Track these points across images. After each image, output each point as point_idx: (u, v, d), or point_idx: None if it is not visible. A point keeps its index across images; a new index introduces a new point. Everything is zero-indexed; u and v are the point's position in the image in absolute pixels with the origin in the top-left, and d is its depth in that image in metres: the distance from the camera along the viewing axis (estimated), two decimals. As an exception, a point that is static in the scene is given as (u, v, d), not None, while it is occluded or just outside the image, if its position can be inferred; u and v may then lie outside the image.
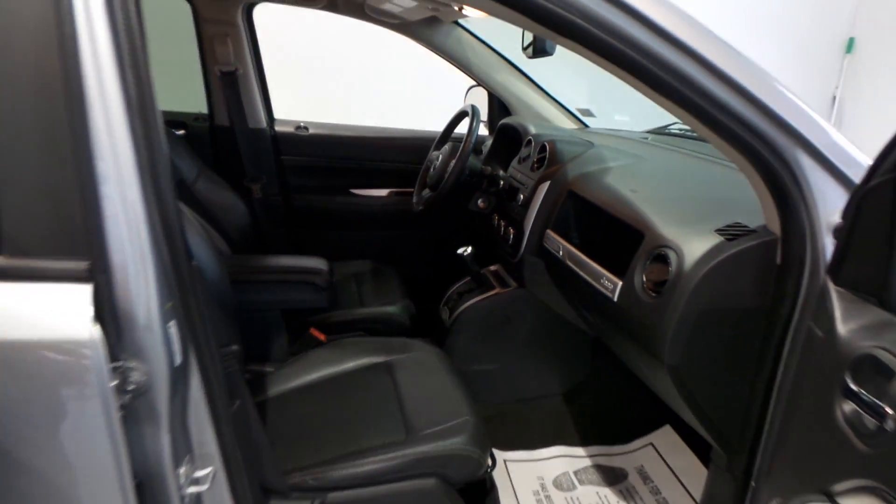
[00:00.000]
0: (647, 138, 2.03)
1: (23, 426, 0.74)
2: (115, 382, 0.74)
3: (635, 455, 1.77)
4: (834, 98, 4.63)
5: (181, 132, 2.28)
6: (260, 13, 2.21)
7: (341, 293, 2.01)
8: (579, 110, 2.38)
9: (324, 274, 1.67)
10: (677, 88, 0.93)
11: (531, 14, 0.89)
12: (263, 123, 2.29)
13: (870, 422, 0.71)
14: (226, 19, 2.13)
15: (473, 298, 1.85)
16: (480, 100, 2.42)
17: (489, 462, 1.30)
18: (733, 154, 1.00)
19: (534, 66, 2.32)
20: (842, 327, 0.82)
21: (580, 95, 2.48)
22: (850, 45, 4.55)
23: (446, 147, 2.02)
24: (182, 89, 2.30)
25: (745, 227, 1.09)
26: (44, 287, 0.72)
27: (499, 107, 2.38)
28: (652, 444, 1.79)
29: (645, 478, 1.69)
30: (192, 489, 0.88)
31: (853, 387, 0.75)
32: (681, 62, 0.93)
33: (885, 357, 0.72)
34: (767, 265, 1.03)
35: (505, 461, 1.72)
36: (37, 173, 0.72)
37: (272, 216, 2.35)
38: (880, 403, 0.69)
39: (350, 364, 1.52)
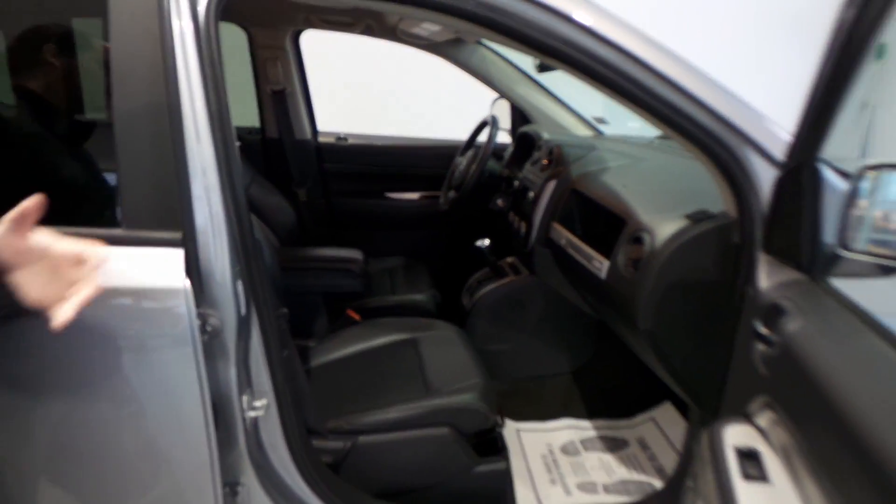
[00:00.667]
0: (653, 142, 2.21)
1: (136, 351, 1.00)
2: (198, 323, 1.00)
3: (637, 428, 1.95)
4: (865, 104, 4.65)
5: (237, 144, 2.59)
6: (306, 38, 2.50)
7: (376, 285, 2.26)
8: (594, 118, 2.59)
9: (359, 262, 1.92)
10: (647, 101, 1.14)
11: (523, 41, 1.12)
12: (308, 135, 2.58)
13: (770, 353, 0.90)
14: (276, 44, 2.43)
15: (490, 285, 2.07)
16: (504, 111, 2.65)
17: (497, 419, 1.52)
18: (696, 152, 1.20)
19: (552, 79, 2.53)
20: (763, 285, 1.01)
21: (595, 105, 2.67)
22: (881, 51, 4.59)
23: (469, 153, 2.27)
24: (238, 107, 2.61)
25: (709, 212, 1.29)
26: (151, 250, 0.99)
27: (520, 117, 2.61)
28: (653, 419, 1.97)
29: (644, 447, 1.87)
30: (252, 413, 1.13)
31: (762, 330, 0.94)
32: (647, 79, 1.14)
33: (784, 303, 0.91)
34: (726, 244, 1.22)
35: (518, 430, 1.93)
36: (147, 169, 0.99)
37: (316, 218, 2.62)
38: (776, 336, 0.89)
39: (381, 340, 1.76)
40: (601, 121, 2.60)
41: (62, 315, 0.71)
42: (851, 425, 0.66)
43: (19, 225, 0.69)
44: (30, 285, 0.71)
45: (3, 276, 0.70)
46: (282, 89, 2.48)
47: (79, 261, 0.74)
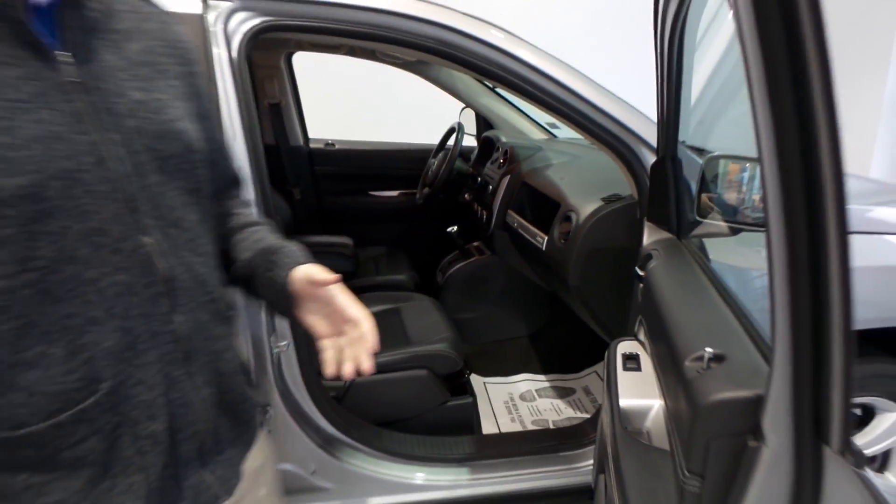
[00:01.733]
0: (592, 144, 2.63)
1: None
2: (240, 279, 1.37)
3: (583, 379, 2.35)
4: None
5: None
6: (297, 58, 2.88)
7: (363, 270, 2.64)
8: (548, 123, 3.00)
9: (349, 246, 2.30)
10: (565, 111, 1.55)
11: (471, 69, 1.52)
12: (301, 142, 2.95)
13: (642, 286, 1.31)
14: (272, 64, 2.80)
15: (459, 264, 2.47)
16: (470, 118, 3.05)
17: (464, 364, 1.91)
18: (604, 150, 1.61)
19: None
20: (645, 242, 1.42)
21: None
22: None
23: (440, 155, 2.66)
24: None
25: (620, 195, 1.69)
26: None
27: (484, 123, 3.02)
28: (596, 372, 2.37)
29: (588, 393, 2.27)
30: (277, 349, 1.51)
31: (639, 272, 1.35)
32: (566, 97, 1.54)
33: (652, 252, 1.32)
34: (632, 219, 1.63)
35: (484, 383, 2.32)
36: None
37: (309, 214, 2.99)
38: (645, 274, 1.30)
39: (368, 309, 2.14)
40: (553, 126, 3.02)
41: (328, 365, 0.82)
42: (661, 321, 1.06)
43: (315, 282, 0.82)
44: (309, 314, 0.85)
45: (295, 299, 0.85)
46: (277, 102, 2.85)
47: (348, 319, 0.83)
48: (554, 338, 2.49)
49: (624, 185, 1.73)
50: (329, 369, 0.82)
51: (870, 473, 0.59)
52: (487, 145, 2.73)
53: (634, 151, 1.57)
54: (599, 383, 2.31)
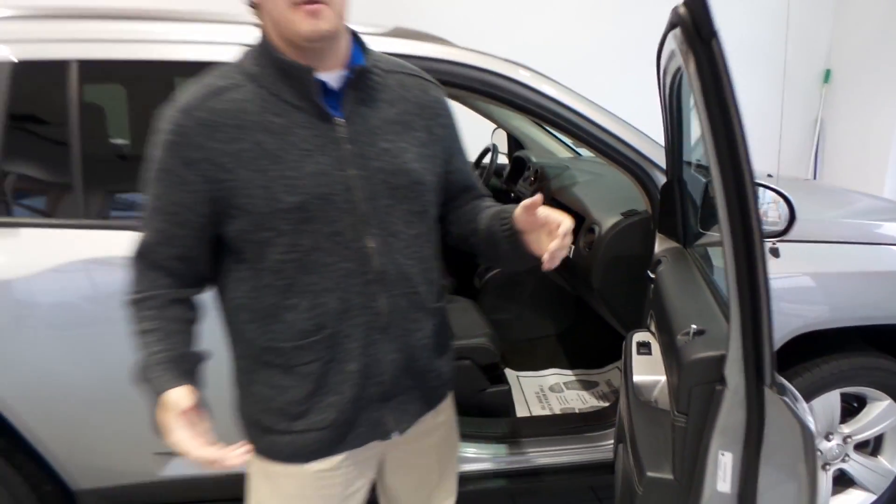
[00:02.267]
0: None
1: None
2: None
3: (606, 374, 2.62)
4: (815, 121, 5.37)
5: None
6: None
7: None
8: (573, 143, 3.28)
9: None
10: (591, 141, 1.83)
11: (515, 107, 1.81)
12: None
13: (652, 285, 1.59)
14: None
15: (494, 270, 2.77)
16: (502, 138, 3.35)
17: (500, 357, 2.20)
18: (623, 172, 1.89)
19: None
20: (656, 250, 1.70)
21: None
22: (827, 76, 5.30)
23: (476, 172, 2.96)
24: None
25: (636, 210, 1.98)
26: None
27: (515, 143, 3.31)
28: (618, 368, 2.64)
29: (611, 386, 2.54)
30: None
31: (651, 275, 1.63)
32: (588, 127, 1.83)
33: (661, 258, 1.60)
34: (647, 231, 1.91)
35: (517, 376, 2.60)
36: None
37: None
38: (655, 275, 1.58)
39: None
40: (578, 144, 3.30)
41: (547, 262, 0.94)
42: (663, 312, 1.34)
43: (529, 208, 0.95)
44: (536, 242, 1.00)
45: (524, 235, 1.01)
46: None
47: (557, 228, 0.93)
48: (579, 336, 2.77)
49: (640, 202, 2.01)
50: (546, 266, 0.96)
51: (790, 399, 0.85)
52: (519, 164, 3.03)
53: (648, 173, 1.85)
54: (621, 378, 2.58)
